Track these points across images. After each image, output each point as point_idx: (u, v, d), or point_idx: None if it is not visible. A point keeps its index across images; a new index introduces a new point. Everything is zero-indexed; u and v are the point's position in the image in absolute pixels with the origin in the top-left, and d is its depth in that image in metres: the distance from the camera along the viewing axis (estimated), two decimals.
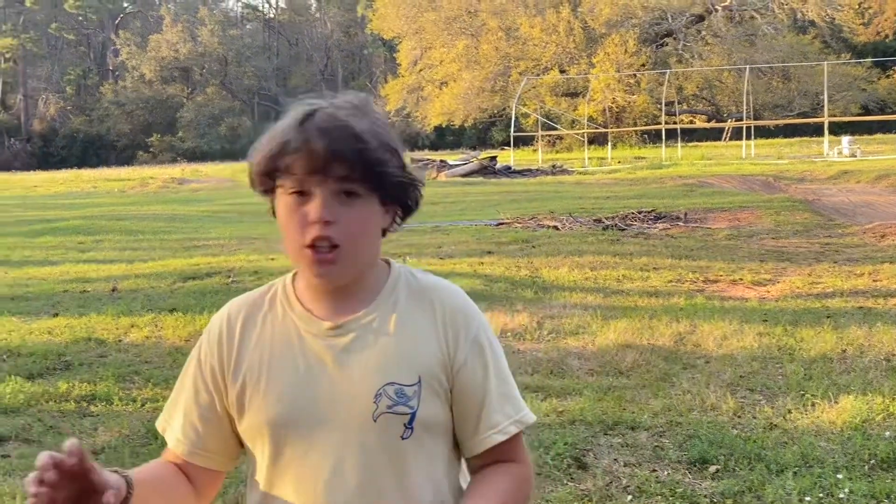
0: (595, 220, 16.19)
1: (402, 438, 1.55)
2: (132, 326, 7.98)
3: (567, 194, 22.85)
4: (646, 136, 48.48)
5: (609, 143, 41.24)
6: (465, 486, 1.66)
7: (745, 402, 5.57)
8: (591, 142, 43.37)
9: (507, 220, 16.70)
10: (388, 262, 1.66)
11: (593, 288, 9.61)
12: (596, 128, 45.82)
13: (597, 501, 4.19)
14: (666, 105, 42.43)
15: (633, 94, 48.45)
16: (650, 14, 52.50)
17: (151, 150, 71.15)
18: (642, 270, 10.54)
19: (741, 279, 9.99)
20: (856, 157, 31.03)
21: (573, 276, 10.25)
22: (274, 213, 1.60)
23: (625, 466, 4.58)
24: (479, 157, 35.29)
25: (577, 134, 45.90)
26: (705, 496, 4.19)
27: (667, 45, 53.90)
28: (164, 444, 1.71)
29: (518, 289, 9.52)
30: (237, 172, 38.38)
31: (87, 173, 47.30)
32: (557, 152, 46.49)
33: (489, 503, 1.57)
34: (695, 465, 4.55)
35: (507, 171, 32.68)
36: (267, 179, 1.56)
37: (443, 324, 1.60)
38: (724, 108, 52.11)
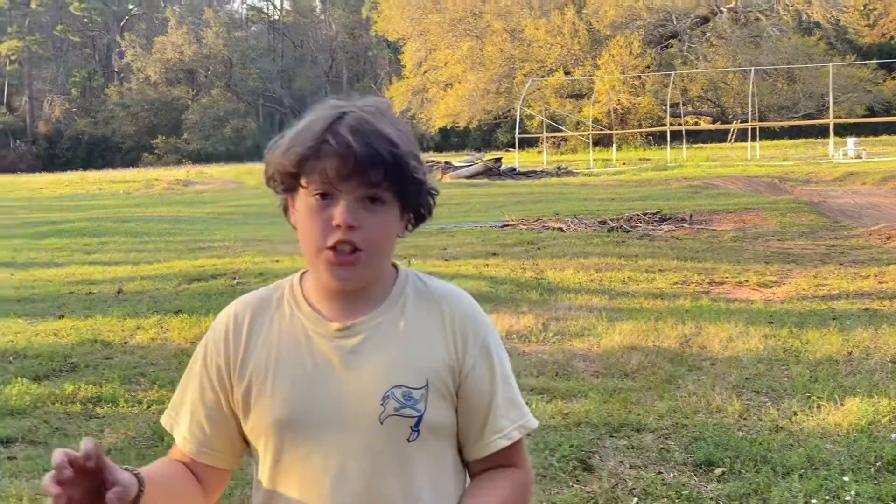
0: (600, 222, 16.18)
1: (409, 441, 1.55)
2: (138, 328, 7.98)
3: (572, 196, 22.84)
4: (651, 137, 48.48)
5: (614, 145, 41.26)
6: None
7: (751, 404, 5.56)
8: (595, 143, 43.38)
9: (512, 222, 16.70)
10: (395, 266, 1.66)
11: (598, 290, 9.61)
12: (601, 129, 45.79)
13: None
14: (671, 107, 42.40)
15: (638, 96, 48.41)
16: (655, 16, 52.48)
17: (156, 151, 71.27)
18: (647, 272, 10.53)
19: (747, 281, 9.98)
20: (861, 158, 30.96)
21: (578, 277, 10.24)
22: (285, 210, 1.61)
23: (630, 468, 4.57)
24: (484, 159, 35.31)
25: (582, 136, 45.87)
26: (711, 498, 4.19)
27: (672, 46, 53.85)
28: (170, 445, 1.71)
29: (523, 290, 9.52)
30: (242, 174, 38.46)
31: (92, 175, 47.39)
32: (562, 154, 46.48)
33: None
34: (700, 468, 4.54)
35: (512, 173, 32.68)
36: (291, 179, 1.55)
37: (451, 328, 1.61)
38: (729, 110, 52.05)
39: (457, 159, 38.61)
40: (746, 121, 41.11)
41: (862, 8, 51.47)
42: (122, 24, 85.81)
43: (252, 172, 37.50)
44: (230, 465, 1.70)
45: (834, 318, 7.78)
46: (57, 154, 72.21)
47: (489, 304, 8.34)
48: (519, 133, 41.80)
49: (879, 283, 9.57)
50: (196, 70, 78.55)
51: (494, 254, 12.36)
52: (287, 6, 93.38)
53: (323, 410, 1.56)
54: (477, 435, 1.62)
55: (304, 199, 1.54)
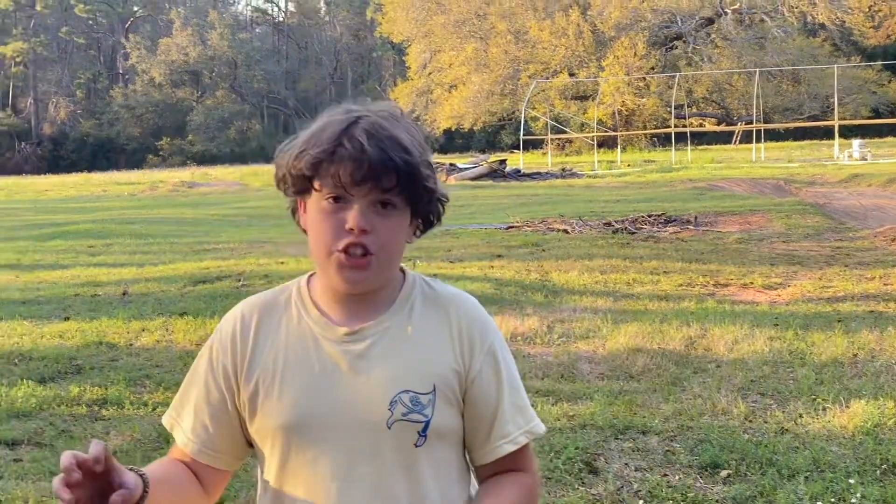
0: (605, 224, 16.17)
1: (416, 446, 1.56)
2: (143, 330, 7.99)
3: (577, 197, 22.83)
4: (655, 139, 48.49)
5: (619, 147, 41.28)
6: (474, 494, 1.67)
7: (757, 406, 5.55)
8: (600, 145, 43.40)
9: (517, 224, 16.70)
10: (402, 270, 1.66)
11: (603, 292, 9.60)
12: (605, 131, 45.80)
13: None
14: (676, 108, 42.41)
15: (643, 98, 48.41)
16: (659, 17, 52.48)
17: (161, 153, 71.39)
18: (652, 274, 10.52)
19: (752, 283, 9.97)
20: (866, 160, 30.95)
21: (583, 279, 10.24)
22: (293, 212, 1.61)
23: (636, 471, 4.57)
24: (489, 161, 35.29)
25: (587, 137, 45.87)
26: (717, 501, 4.18)
27: (676, 48, 53.86)
28: None
29: (528, 292, 9.51)
30: (246, 176, 38.46)
31: (97, 177, 47.44)
32: (567, 155, 46.48)
33: None
34: (706, 470, 4.53)
35: (517, 175, 32.69)
36: (304, 181, 1.55)
37: (458, 334, 1.61)
38: (733, 112, 52.04)
39: (461, 161, 38.62)
40: (751, 122, 41.09)
41: (867, 9, 51.42)
42: (126, 25, 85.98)
43: (257, 174, 37.54)
44: (231, 466, 1.70)
45: (839, 320, 7.77)
46: (62, 156, 72.40)
47: (494, 306, 8.34)
48: (523, 135, 41.85)
49: (885, 284, 9.56)
50: (201, 72, 78.66)
51: (499, 255, 12.36)
52: (292, 8, 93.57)
53: (330, 415, 1.56)
54: (483, 440, 1.63)
55: (317, 202, 1.55)
